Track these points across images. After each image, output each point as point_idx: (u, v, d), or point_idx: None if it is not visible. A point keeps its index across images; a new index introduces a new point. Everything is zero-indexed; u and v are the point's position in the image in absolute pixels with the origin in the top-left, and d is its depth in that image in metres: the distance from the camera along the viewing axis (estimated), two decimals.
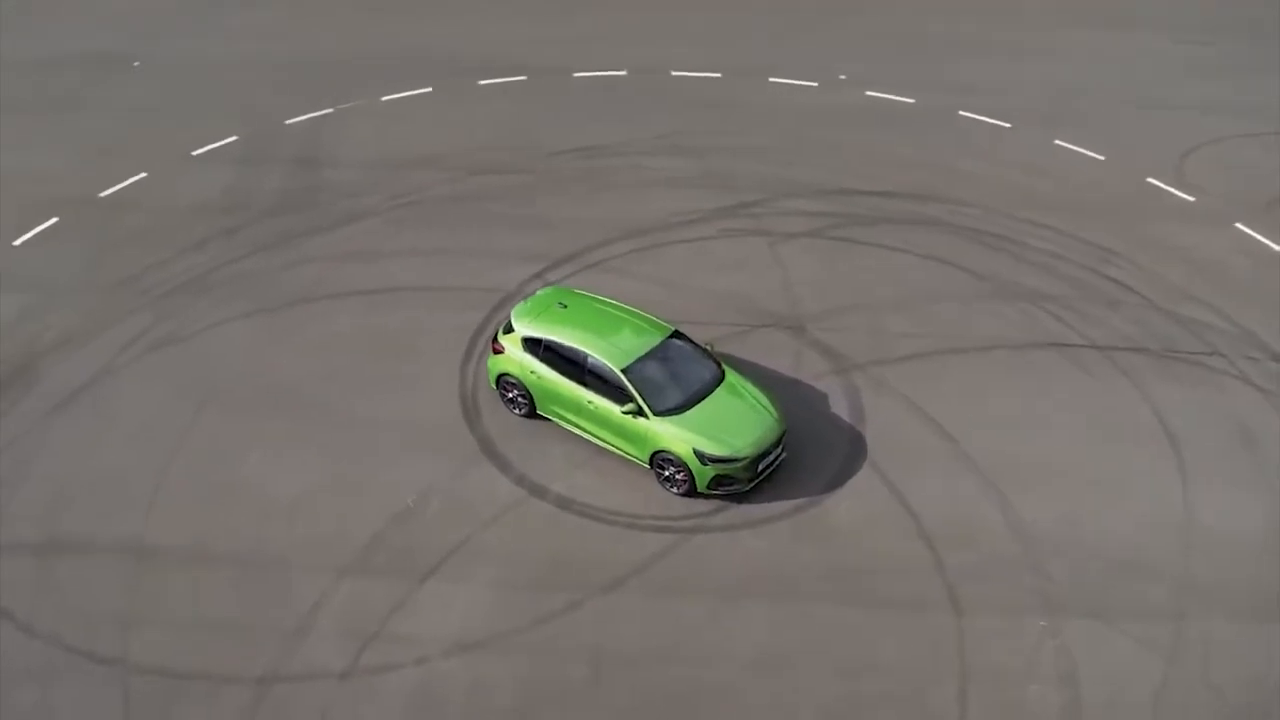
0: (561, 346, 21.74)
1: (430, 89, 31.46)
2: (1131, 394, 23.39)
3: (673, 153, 29.40)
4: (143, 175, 28.50)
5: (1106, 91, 31.61)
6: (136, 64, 32.73)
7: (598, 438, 21.83)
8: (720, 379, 21.83)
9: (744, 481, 21.07)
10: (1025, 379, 23.68)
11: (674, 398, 21.33)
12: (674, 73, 32.13)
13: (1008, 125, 30.41)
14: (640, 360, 21.51)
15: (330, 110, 30.68)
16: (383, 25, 34.13)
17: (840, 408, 23.05)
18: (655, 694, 18.50)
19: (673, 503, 21.24)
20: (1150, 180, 28.68)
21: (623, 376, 21.26)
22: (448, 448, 22.08)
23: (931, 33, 33.92)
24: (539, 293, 23.22)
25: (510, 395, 22.56)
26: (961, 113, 30.81)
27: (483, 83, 31.80)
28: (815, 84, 31.75)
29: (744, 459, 20.87)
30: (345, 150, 29.41)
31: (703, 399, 21.46)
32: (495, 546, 20.52)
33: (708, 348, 22.36)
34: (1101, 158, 29.38)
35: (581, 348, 21.59)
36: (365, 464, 21.80)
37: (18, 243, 26.54)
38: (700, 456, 20.79)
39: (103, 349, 24.00)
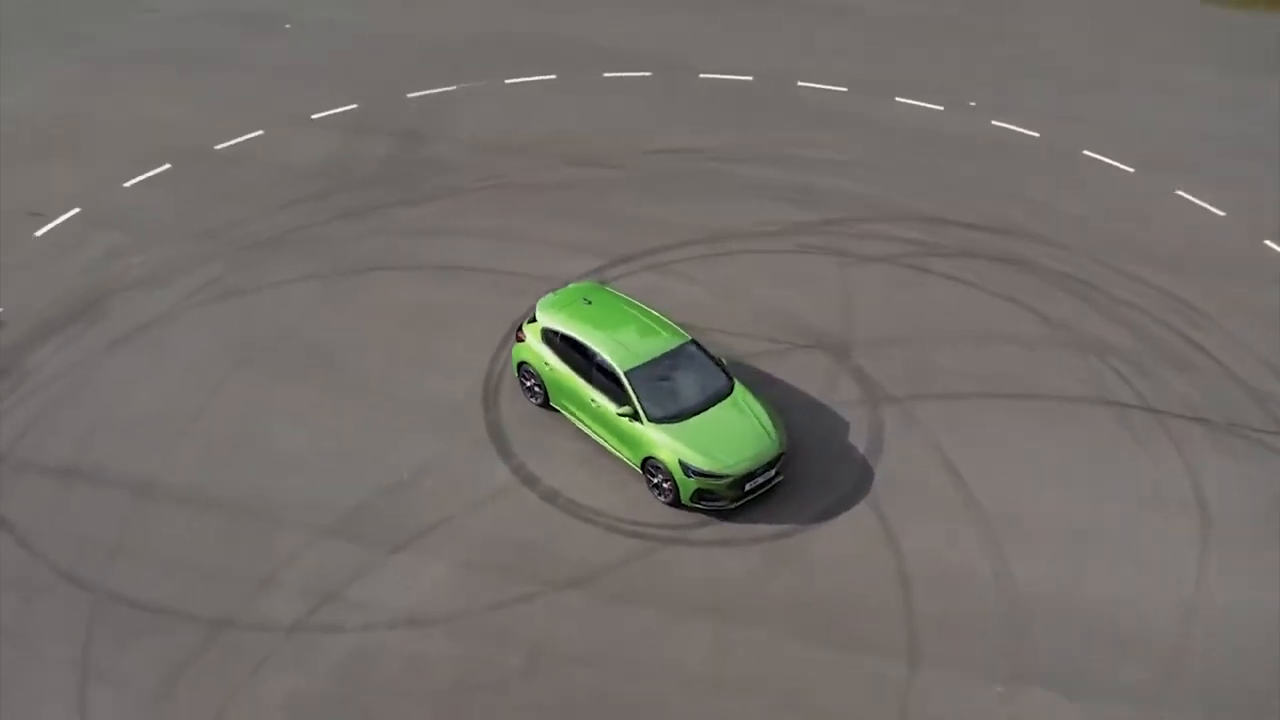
0: (575, 341, 21.88)
1: (555, 76, 31.86)
2: (1175, 463, 22.16)
3: (773, 162, 29.07)
4: (259, 133, 29.76)
5: (1246, 143, 29.80)
6: (287, 26, 34.09)
7: (599, 436, 21.90)
8: (727, 393, 21.59)
9: (728, 499, 20.83)
10: (1064, 433, 22.68)
11: (672, 406, 21.23)
12: (800, 83, 31.73)
13: (1130, 169, 29.01)
14: (646, 364, 21.47)
15: (453, 88, 31.41)
16: (524, 9, 34.66)
17: (859, 438, 22.52)
18: (580, 696, 18.55)
19: (658, 510, 21.17)
20: (1268, 243, 26.96)
21: (625, 378, 21.27)
22: (458, 428, 22.49)
23: (1074, 66, 32.54)
24: (569, 286, 23.38)
25: (528, 384, 22.82)
26: (1086, 152, 29.53)
27: (607, 75, 32.04)
28: (941, 108, 30.90)
29: (729, 477, 20.63)
30: (454, 128, 30.07)
31: (702, 411, 21.28)
32: (473, 529, 20.84)
33: (722, 361, 22.12)
34: (1222, 214, 27.76)
35: (592, 345, 21.69)
36: (376, 433, 22.39)
37: (128, 184, 28.10)
38: (685, 468, 20.66)
39: (171, 294, 25.25)
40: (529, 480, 21.64)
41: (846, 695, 18.56)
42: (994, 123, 30.50)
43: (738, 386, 21.78)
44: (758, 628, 19.51)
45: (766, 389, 23.10)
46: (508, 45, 32.85)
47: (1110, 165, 29.23)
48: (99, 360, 23.78)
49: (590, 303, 22.53)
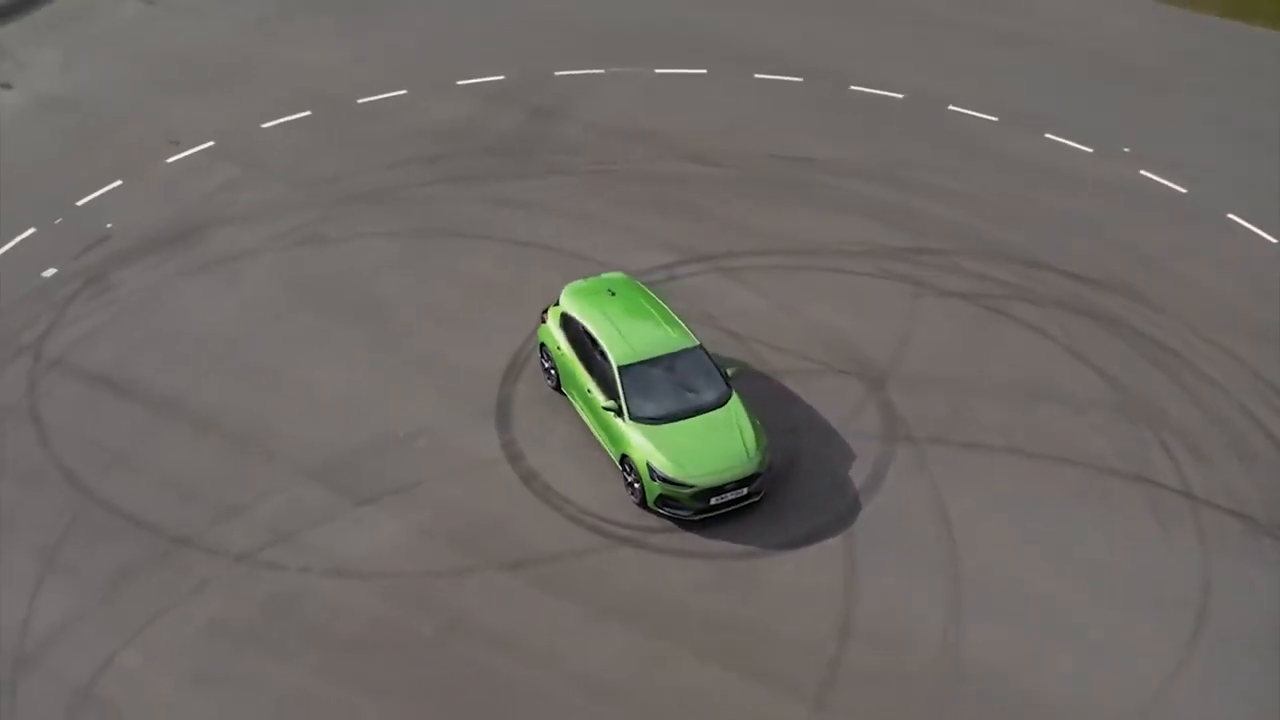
0: (585, 329, 21.97)
1: (705, 71, 31.75)
2: (1193, 559, 20.59)
3: (891, 183, 28.21)
4: (403, 92, 30.85)
5: None
6: None
7: (591, 426, 21.94)
8: (719, 404, 21.25)
9: (692, 510, 20.56)
10: (1081, 506, 21.38)
11: (657, 408, 21.07)
12: (950, 107, 30.59)
13: (1274, 241, 26.79)
14: (643, 363, 21.37)
15: (601, 71, 31.71)
16: (695, 1, 34.59)
17: (860, 472, 21.81)
18: (469, 675, 18.83)
19: (627, 509, 21.09)
20: None
21: (617, 372, 21.25)
22: (470, 397, 22.92)
23: (1263, 126, 30.06)
24: (601, 276, 23.41)
25: (546, 365, 23.05)
26: (1230, 215, 27.43)
27: (758, 76, 31.68)
28: (1090, 150, 29.24)
29: (693, 488, 20.36)
30: (589, 110, 30.38)
31: (687, 418, 21.03)
32: (442, 496, 21.27)
33: (729, 372, 21.77)
34: None
35: (598, 335, 21.74)
36: (394, 388, 23.09)
37: (266, 125, 29.66)
38: (651, 471, 20.51)
39: (263, 232, 26.60)
40: (514, 458, 21.88)
41: None
42: (1142, 172, 28.67)
43: (733, 400, 21.40)
44: (676, 642, 19.25)
45: (782, 407, 22.68)
46: (669, 35, 32.87)
47: (1252, 232, 27.07)
48: (174, 283, 25.31)
49: (614, 294, 22.55)
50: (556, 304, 22.94)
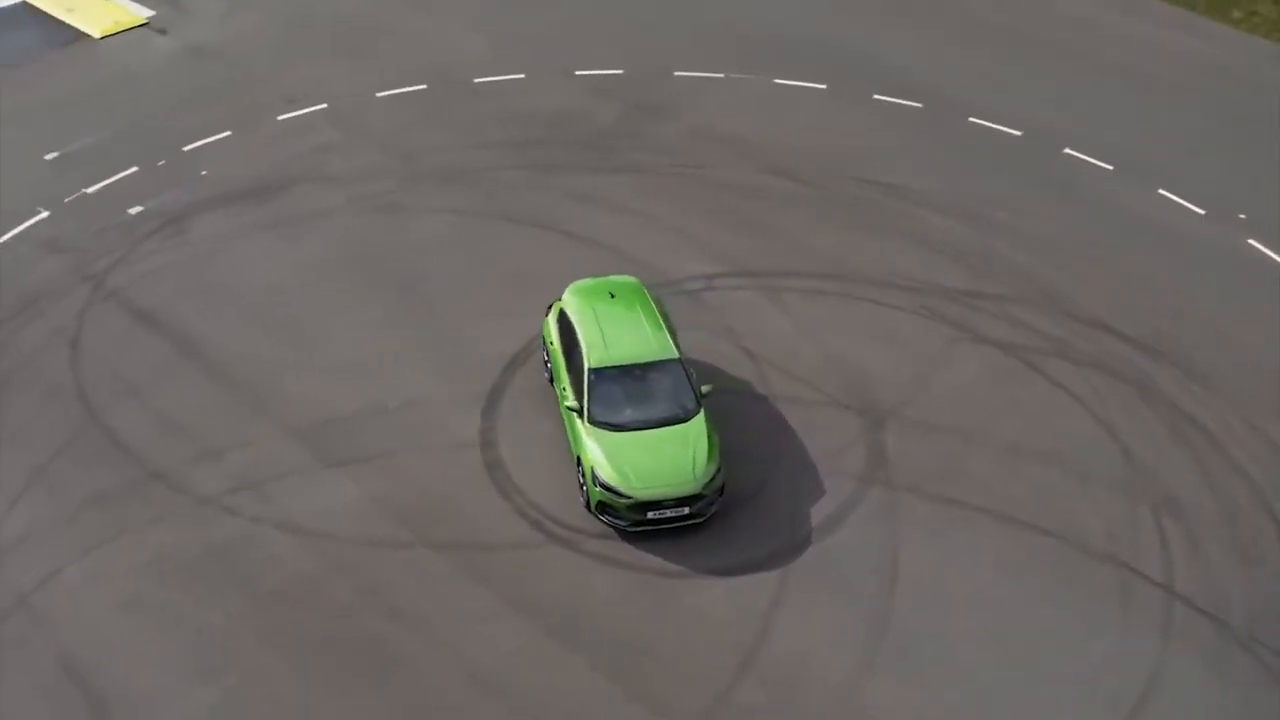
0: (573, 328, 22.15)
1: (825, 86, 31.27)
2: (1146, 656, 19.44)
3: (971, 221, 27.25)
4: (520, 76, 31.53)
5: None
6: None
7: (565, 423, 22.14)
8: (683, 420, 21.12)
9: (628, 520, 20.54)
10: (1044, 583, 20.42)
11: (618, 415, 21.11)
12: (1067, 150, 29.25)
13: None
14: (615, 368, 21.43)
15: (720, 76, 31.62)
16: (838, 14, 33.95)
17: (823, 511, 21.36)
18: (369, 643, 19.35)
19: (575, 511, 21.19)
20: None
21: (587, 374, 21.37)
22: (468, 380, 23.41)
23: None
24: (609, 277, 23.49)
25: (545, 358, 23.33)
26: None
27: (878, 97, 31.00)
28: (1203, 212, 27.52)
29: (629, 498, 20.33)
30: (693, 112, 30.36)
31: (645, 429, 20.98)
32: (406, 470, 21.88)
33: (703, 389, 21.58)
34: None
35: (581, 335, 21.89)
36: (400, 360, 23.82)
37: (380, 94, 30.81)
38: (594, 475, 20.59)
39: (339, 196, 27.72)
40: (487, 444, 22.28)
41: None
42: (1250, 241, 26.83)
43: (699, 418, 21.21)
44: (573, 648, 19.31)
45: (770, 434, 22.45)
46: (799, 46, 32.46)
47: None
48: (242, 234, 26.68)
49: (614, 297, 22.63)
50: (560, 299, 23.15)
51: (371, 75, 31.37)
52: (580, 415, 21.17)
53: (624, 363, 21.49)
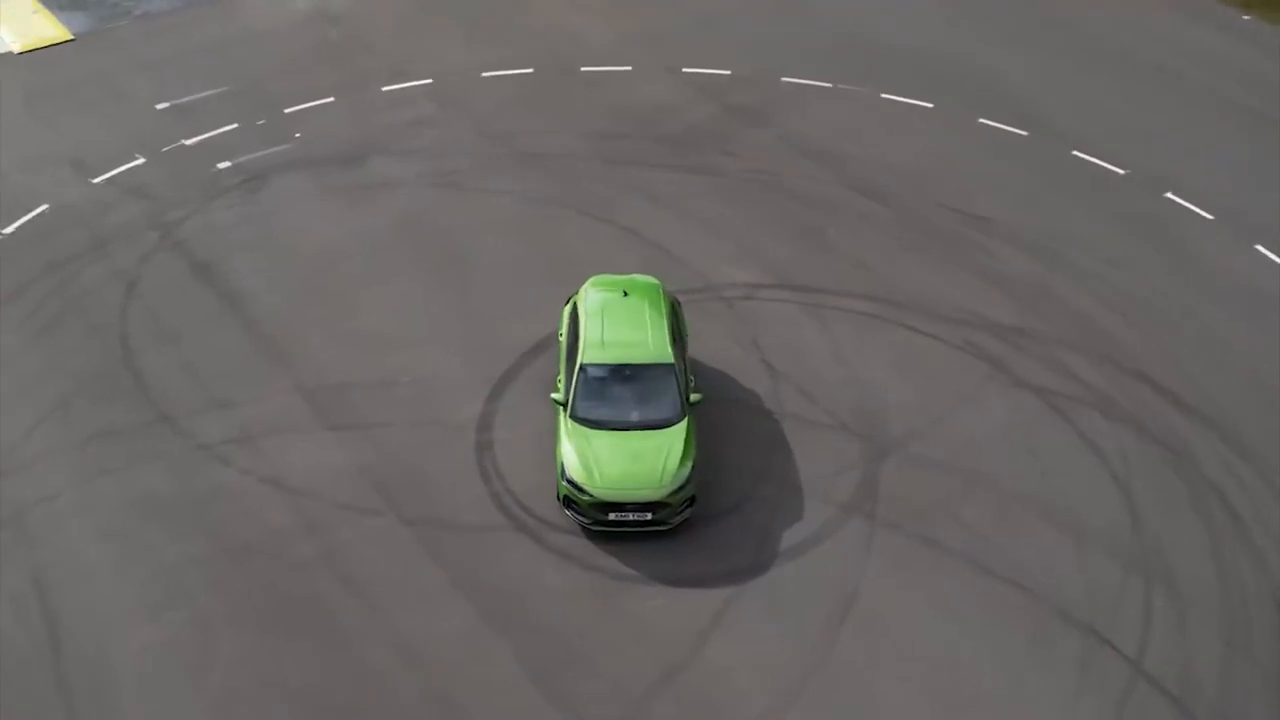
0: (578, 323, 22.16)
1: (931, 105, 30.42)
2: None
3: (1045, 258, 26.13)
4: (628, 68, 31.61)
5: None
6: None
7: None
8: (664, 425, 20.93)
9: (590, 519, 20.49)
10: (1004, 641, 19.56)
11: (600, 413, 21.05)
12: (1168, 194, 27.74)
13: None
14: (607, 365, 21.37)
15: (829, 85, 31.07)
16: (958, 31, 32.86)
17: (795, 536, 20.91)
18: (312, 603, 19.83)
19: (549, 502, 21.19)
20: None
21: (578, 369, 21.38)
22: (485, 362, 23.64)
23: None
24: (632, 276, 23.35)
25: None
26: None
27: (981, 120, 29.99)
28: None
29: (592, 497, 20.28)
30: (789, 119, 29.91)
31: (625, 430, 20.87)
32: (398, 442, 22.29)
33: (692, 398, 21.32)
34: None
35: (582, 330, 21.90)
36: (424, 336, 24.25)
37: (486, 74, 31.33)
38: (562, 469, 20.61)
39: (414, 169, 28.33)
40: (483, 428, 22.51)
41: None
42: None
43: (681, 426, 20.98)
44: (506, 638, 19.41)
45: (766, 451, 22.14)
46: (916, 60, 31.64)
47: None
48: (313, 198, 27.52)
49: (626, 295, 22.51)
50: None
51: (485, 54, 31.91)
52: (564, 409, 21.16)
53: (616, 362, 21.39)
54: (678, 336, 22.13)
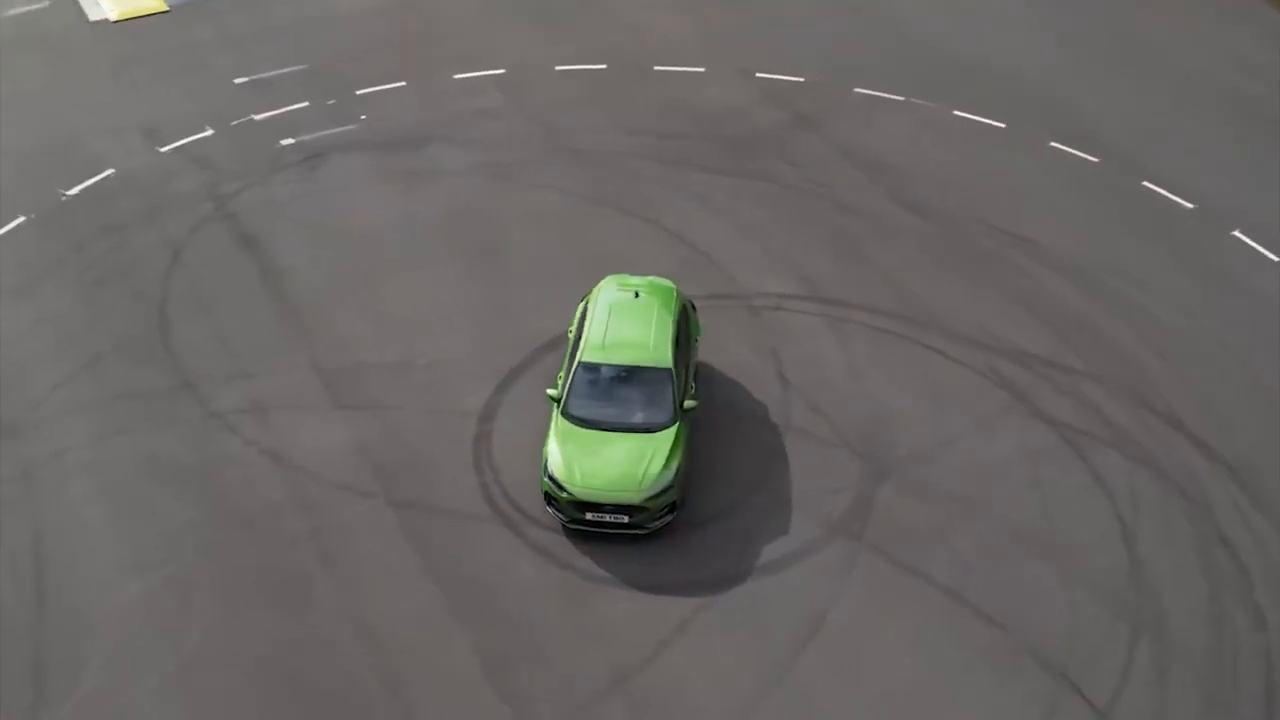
0: (585, 321, 22.20)
1: (1003, 126, 29.73)
2: None
3: (1089, 288, 25.37)
4: (700, 70, 31.50)
5: None
6: None
7: None
8: (655, 430, 20.86)
9: (567, 517, 20.54)
10: (967, 679, 19.11)
11: (590, 411, 21.07)
12: (1235, 232, 26.70)
13: None
14: (604, 365, 21.38)
15: (901, 99, 30.58)
16: (1053, 54, 32.01)
17: (775, 552, 20.70)
18: (288, 576, 20.27)
19: (536, 497, 21.28)
20: None
21: (576, 366, 21.44)
22: (501, 353, 23.82)
23: None
24: (648, 278, 23.28)
25: None
26: None
27: (1053, 144, 29.17)
28: None
29: (569, 495, 20.33)
30: (851, 131, 29.46)
31: (614, 430, 20.86)
32: (404, 426, 22.62)
33: (686, 404, 21.21)
34: None
35: (587, 327, 21.95)
36: (448, 323, 24.52)
37: (559, 67, 31.46)
38: (545, 464, 20.69)
39: (470, 159, 28.61)
40: (486, 417, 22.71)
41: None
42: None
43: (670, 431, 20.88)
44: (465, 627, 19.60)
45: (763, 464, 21.95)
46: (997, 78, 30.91)
47: None
48: (367, 180, 27.99)
49: (638, 297, 22.47)
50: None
51: (562, 48, 32.08)
52: (557, 405, 21.22)
53: (613, 362, 21.37)
54: (684, 342, 22.00)
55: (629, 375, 21.29)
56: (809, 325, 24.56)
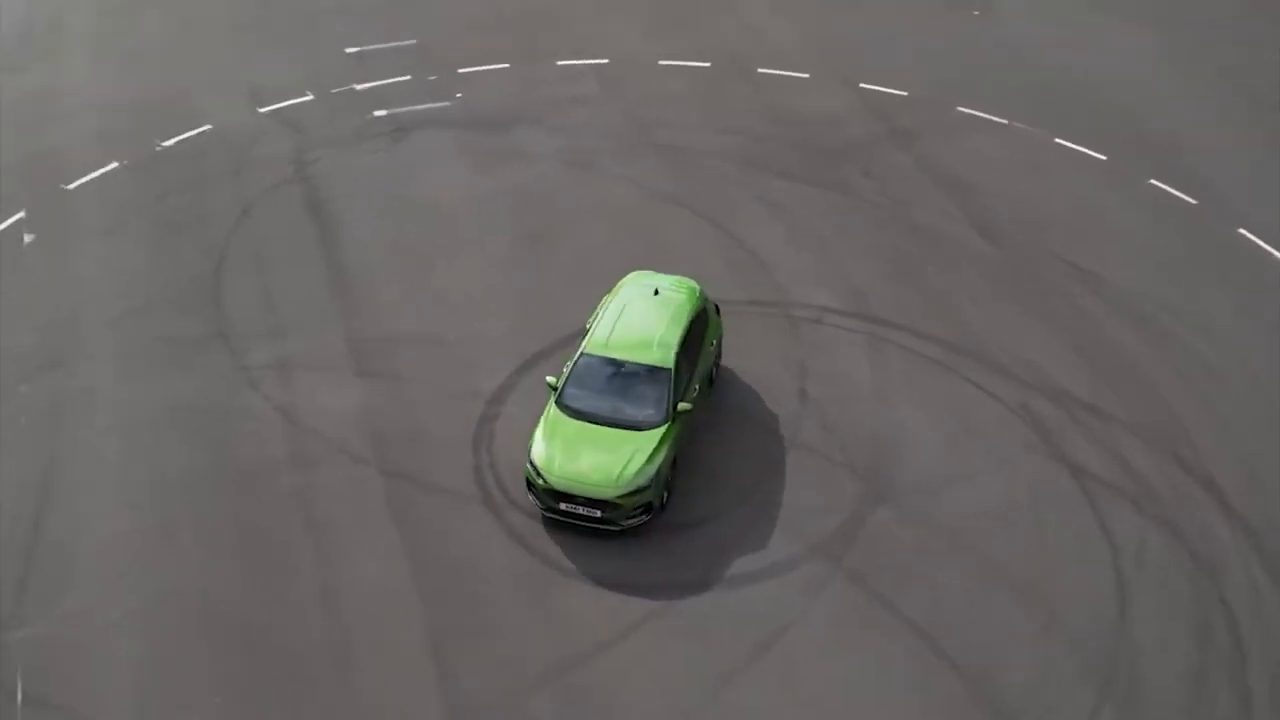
0: (601, 313, 22.16)
1: (1104, 158, 28.46)
2: None
3: (1148, 331, 24.20)
4: (804, 75, 31.12)
5: None
6: (976, 13, 33.73)
7: None
8: (647, 428, 20.68)
9: (542, 505, 20.55)
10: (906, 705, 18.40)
11: (583, 403, 21.00)
12: None
13: None
14: (606, 359, 21.29)
15: (1004, 122, 29.55)
16: (1172, 87, 30.45)
17: (749, 565, 20.28)
18: (263, 536, 20.58)
19: (522, 482, 21.31)
20: None
21: (577, 356, 21.42)
22: (527, 338, 23.86)
23: None
24: (675, 276, 23.06)
25: None
26: None
27: (1152, 182, 27.83)
28: None
29: (544, 482, 20.33)
30: (944, 150, 28.69)
31: (600, 424, 20.77)
32: (412, 399, 22.87)
33: (680, 406, 20.97)
34: None
35: (599, 319, 21.91)
36: (484, 303, 24.75)
37: (662, 62, 31.51)
38: (529, 450, 20.74)
39: (552, 145, 28.84)
40: (495, 400, 22.84)
41: (381, 688, 18.54)
42: None
43: (660, 431, 20.66)
44: (425, 604, 19.55)
45: (760, 477, 21.53)
46: (1109, 110, 29.75)
47: None
48: (446, 157, 28.44)
49: (657, 294, 22.30)
50: None
51: (669, 43, 32.08)
52: (554, 393, 21.23)
53: (614, 356, 21.25)
54: (694, 344, 21.74)
55: (628, 372, 21.14)
56: (846, 341, 23.99)
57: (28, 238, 26.04)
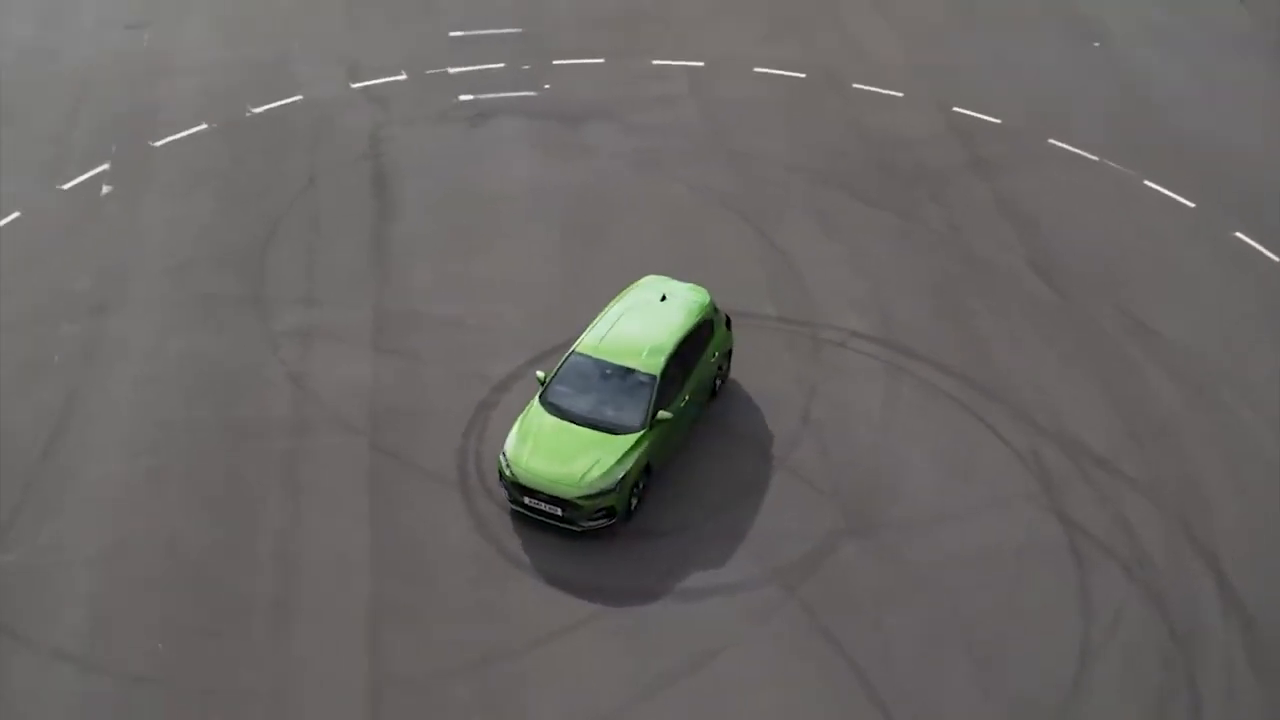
0: (603, 313, 22.12)
1: (1192, 205, 27.09)
2: None
3: (1195, 393, 22.98)
4: (899, 94, 30.33)
5: None
6: (1096, 44, 32.43)
7: None
8: (625, 431, 20.54)
9: (510, 497, 20.63)
10: None
11: (564, 400, 20.98)
12: None
13: None
14: (595, 360, 21.22)
15: (1094, 159, 28.37)
16: None
17: (703, 579, 20.00)
18: (246, 498, 21.11)
19: None
20: None
21: (566, 356, 21.43)
22: (547, 332, 23.83)
23: None
24: (688, 284, 22.81)
25: None
26: None
27: (1238, 234, 26.40)
28: None
29: (513, 475, 20.40)
30: (1019, 183, 27.63)
31: (576, 424, 20.72)
32: (421, 380, 23.15)
33: (660, 414, 20.76)
34: None
35: (597, 320, 21.87)
36: (519, 289, 24.94)
37: (757, 69, 31.12)
38: (505, 441, 20.84)
39: (627, 144, 28.78)
40: (500, 387, 22.97)
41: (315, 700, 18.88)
42: None
43: (636, 437, 20.50)
44: (369, 577, 19.81)
45: (742, 494, 21.22)
46: (1208, 157, 28.27)
47: None
48: (516, 143, 28.67)
49: (664, 300, 22.14)
50: None
51: (769, 50, 31.76)
52: (541, 385, 21.27)
53: (602, 358, 21.15)
54: (692, 354, 21.48)
55: (613, 374, 21.01)
56: (864, 368, 23.38)
57: (105, 189, 27.21)
